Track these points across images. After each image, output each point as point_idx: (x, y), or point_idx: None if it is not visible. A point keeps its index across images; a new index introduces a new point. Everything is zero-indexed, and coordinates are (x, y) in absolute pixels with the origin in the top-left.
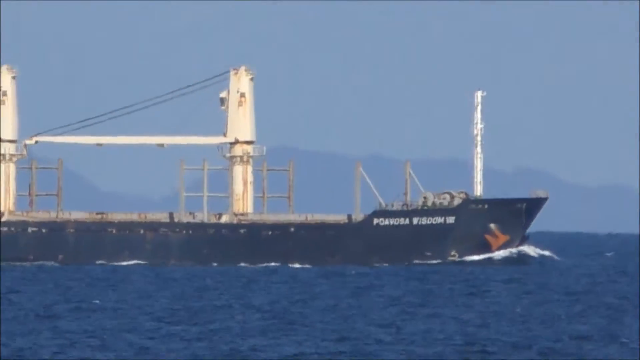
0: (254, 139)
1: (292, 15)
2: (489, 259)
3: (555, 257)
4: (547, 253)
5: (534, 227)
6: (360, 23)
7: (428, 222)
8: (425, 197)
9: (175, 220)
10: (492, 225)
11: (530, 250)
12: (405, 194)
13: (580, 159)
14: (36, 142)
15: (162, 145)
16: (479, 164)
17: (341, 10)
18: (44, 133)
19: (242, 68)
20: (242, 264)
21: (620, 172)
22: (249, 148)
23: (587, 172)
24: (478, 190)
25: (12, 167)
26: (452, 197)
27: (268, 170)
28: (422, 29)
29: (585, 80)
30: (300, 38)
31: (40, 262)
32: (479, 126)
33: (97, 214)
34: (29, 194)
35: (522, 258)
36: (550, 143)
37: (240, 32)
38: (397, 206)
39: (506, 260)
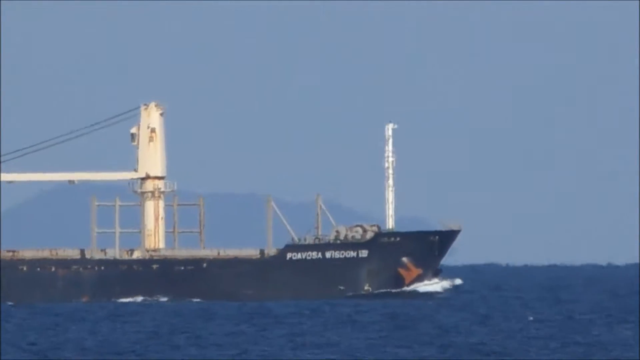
0: (164, 174)
1: (204, 50)
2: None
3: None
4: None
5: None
6: (265, 59)
7: (341, 256)
8: (337, 231)
9: (87, 256)
10: (404, 259)
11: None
12: (317, 227)
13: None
14: None
15: (72, 181)
16: (390, 197)
17: (249, 47)
18: None
19: (152, 103)
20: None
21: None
22: (160, 183)
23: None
24: (390, 224)
25: None
26: (365, 231)
27: (178, 205)
28: (330, 63)
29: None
30: (212, 73)
31: None
32: (390, 159)
33: (8, 251)
34: None
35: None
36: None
37: (152, 67)
38: (309, 240)
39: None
